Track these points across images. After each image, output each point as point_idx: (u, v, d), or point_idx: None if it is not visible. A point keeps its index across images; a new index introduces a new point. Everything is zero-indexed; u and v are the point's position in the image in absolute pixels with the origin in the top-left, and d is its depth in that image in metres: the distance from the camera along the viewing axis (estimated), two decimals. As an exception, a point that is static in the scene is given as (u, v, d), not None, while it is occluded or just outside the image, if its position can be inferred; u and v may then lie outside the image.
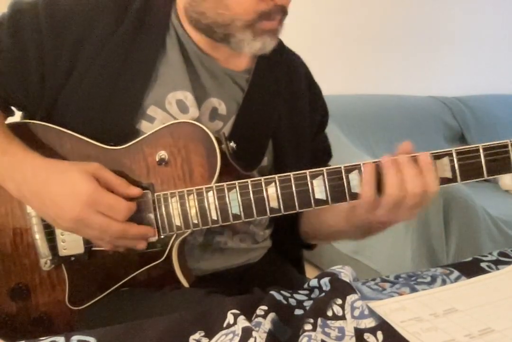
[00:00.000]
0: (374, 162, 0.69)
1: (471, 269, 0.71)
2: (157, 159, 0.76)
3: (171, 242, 0.76)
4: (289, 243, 1.00)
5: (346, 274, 0.63)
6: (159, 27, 0.82)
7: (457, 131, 2.74)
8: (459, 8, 2.90)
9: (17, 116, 0.87)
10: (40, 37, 0.78)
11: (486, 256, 0.76)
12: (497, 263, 0.74)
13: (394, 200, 0.67)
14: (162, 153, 0.76)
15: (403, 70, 2.83)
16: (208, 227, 0.74)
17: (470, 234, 1.78)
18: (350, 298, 0.58)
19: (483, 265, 0.73)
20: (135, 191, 0.74)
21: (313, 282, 0.65)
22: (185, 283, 0.77)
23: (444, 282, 0.68)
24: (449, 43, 2.92)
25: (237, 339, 0.52)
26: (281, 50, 0.93)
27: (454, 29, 2.92)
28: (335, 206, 0.82)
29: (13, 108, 0.85)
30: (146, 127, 0.79)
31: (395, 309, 0.58)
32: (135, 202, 0.73)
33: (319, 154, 0.98)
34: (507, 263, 0.73)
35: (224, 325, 0.56)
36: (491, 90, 3.00)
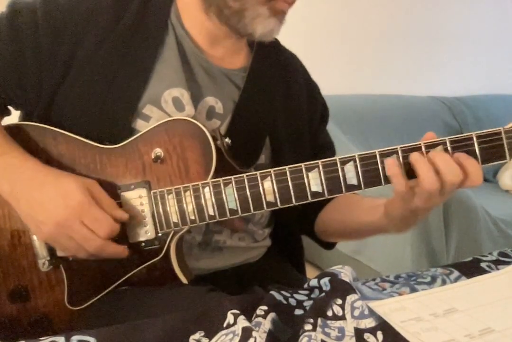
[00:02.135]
0: (392, 149, 0.68)
1: (471, 269, 0.71)
2: (152, 157, 0.76)
3: (168, 239, 0.76)
4: (293, 242, 1.00)
5: (346, 274, 0.63)
6: (157, 27, 0.82)
7: (457, 131, 2.74)
8: (459, 8, 2.90)
9: (14, 116, 0.87)
10: (37, 35, 0.78)
11: (486, 256, 0.76)
12: (497, 263, 0.73)
13: (430, 191, 0.66)
14: (158, 151, 0.76)
15: (403, 70, 2.83)
16: (205, 222, 0.74)
17: (470, 234, 1.78)
18: (350, 298, 0.58)
19: (483, 265, 0.73)
20: (122, 214, 0.74)
21: (313, 282, 0.65)
22: (184, 280, 0.77)
23: (444, 282, 0.68)
24: (449, 43, 2.92)
25: (237, 339, 0.52)
26: (277, 48, 0.94)
27: (454, 29, 2.92)
28: (372, 203, 0.81)
29: (10, 107, 0.85)
30: (142, 126, 0.79)
31: (395, 309, 0.58)
32: (119, 225, 0.73)
33: (322, 150, 0.98)
34: (507, 263, 0.73)
35: (224, 325, 0.56)
36: (491, 90, 3.00)
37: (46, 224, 0.71)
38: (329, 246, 1.01)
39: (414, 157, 0.67)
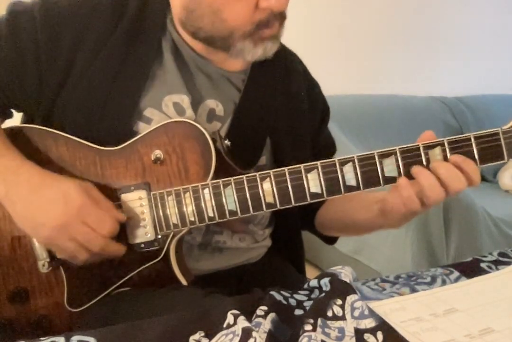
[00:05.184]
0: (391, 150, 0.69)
1: (471, 269, 0.71)
2: (152, 159, 0.76)
3: (168, 240, 0.76)
4: (293, 242, 1.00)
5: (346, 274, 0.63)
6: (155, 31, 0.82)
7: (457, 131, 2.74)
8: (459, 8, 2.90)
9: (16, 118, 0.87)
10: (36, 40, 0.78)
11: (486, 256, 0.76)
12: (497, 263, 0.73)
13: (437, 201, 0.69)
14: (158, 152, 0.76)
15: (403, 70, 2.83)
16: (204, 224, 0.74)
17: (470, 234, 1.78)
18: (350, 298, 0.58)
19: (483, 265, 0.73)
20: (120, 215, 0.74)
21: (313, 282, 0.65)
22: (183, 282, 0.77)
23: (444, 282, 0.68)
24: (449, 43, 2.92)
25: (237, 339, 0.52)
26: (278, 48, 0.93)
27: (454, 29, 2.92)
28: (367, 200, 0.82)
29: (12, 110, 0.85)
30: (143, 129, 0.79)
31: (395, 309, 0.58)
32: (118, 224, 0.73)
33: (324, 150, 0.98)
34: (507, 263, 0.73)
35: (224, 325, 0.56)
36: (491, 90, 2.99)
37: (46, 226, 0.71)
38: (331, 240, 1.01)
39: (417, 171, 0.68)
